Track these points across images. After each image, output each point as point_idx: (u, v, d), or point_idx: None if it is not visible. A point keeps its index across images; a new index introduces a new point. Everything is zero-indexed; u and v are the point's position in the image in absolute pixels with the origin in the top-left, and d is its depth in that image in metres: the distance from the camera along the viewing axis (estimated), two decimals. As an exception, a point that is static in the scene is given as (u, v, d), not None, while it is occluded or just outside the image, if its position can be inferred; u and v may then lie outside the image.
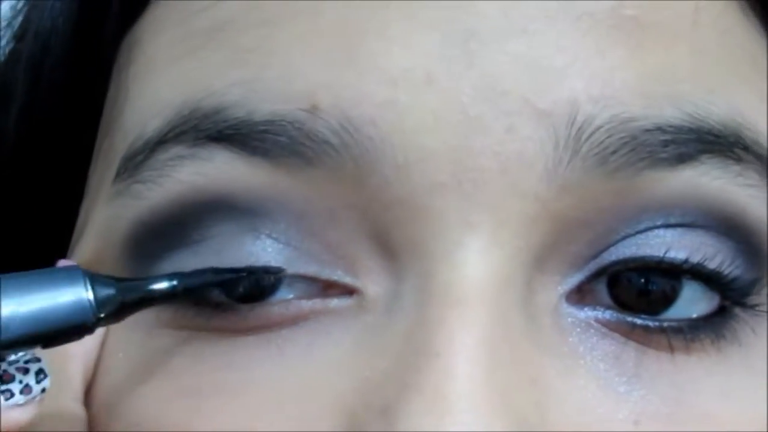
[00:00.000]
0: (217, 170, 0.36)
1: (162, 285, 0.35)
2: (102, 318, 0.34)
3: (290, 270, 0.36)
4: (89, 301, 0.34)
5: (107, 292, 0.34)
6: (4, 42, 0.48)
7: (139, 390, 0.37)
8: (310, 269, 0.36)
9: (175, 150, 0.36)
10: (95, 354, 0.38)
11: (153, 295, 0.35)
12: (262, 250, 0.36)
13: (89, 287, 0.34)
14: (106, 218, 0.38)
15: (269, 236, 0.36)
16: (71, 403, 0.37)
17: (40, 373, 0.34)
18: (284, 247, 0.36)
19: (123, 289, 0.35)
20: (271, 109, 0.35)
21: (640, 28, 0.36)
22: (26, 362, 0.34)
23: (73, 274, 0.34)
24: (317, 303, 0.36)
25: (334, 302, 0.36)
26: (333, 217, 0.36)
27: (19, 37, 0.45)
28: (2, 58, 0.46)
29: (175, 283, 0.35)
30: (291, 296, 0.36)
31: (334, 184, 0.35)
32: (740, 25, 0.38)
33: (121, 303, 0.35)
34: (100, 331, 0.37)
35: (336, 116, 0.35)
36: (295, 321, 0.36)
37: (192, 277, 0.36)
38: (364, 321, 0.36)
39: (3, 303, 0.33)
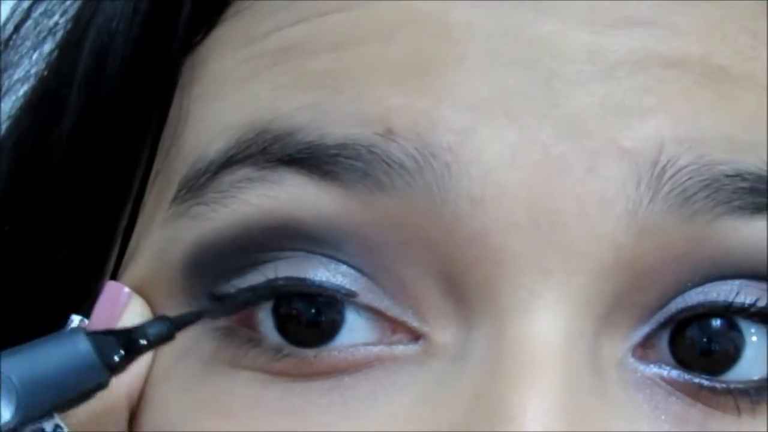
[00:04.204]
0: (286, 194, 0.35)
1: (156, 329, 0.34)
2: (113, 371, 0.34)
3: (363, 300, 0.35)
4: (102, 363, 0.33)
5: (113, 349, 0.34)
6: (46, 48, 0.47)
7: (194, 427, 0.35)
8: (382, 304, 0.35)
9: (243, 172, 0.35)
10: (139, 384, 0.37)
11: (151, 340, 0.34)
12: (339, 274, 0.35)
13: (96, 350, 0.34)
14: (162, 240, 0.37)
15: (344, 262, 0.35)
16: None
17: None
18: (360, 276, 0.35)
19: (124, 342, 0.34)
20: (345, 132, 0.35)
21: (730, 78, 0.35)
22: None
23: (76, 338, 0.34)
24: (383, 350, 0.35)
25: (399, 349, 0.35)
26: (405, 252, 0.35)
27: (67, 49, 0.44)
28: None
29: (169, 324, 0.35)
30: (354, 342, 0.35)
31: (406, 214, 0.34)
32: None
33: (126, 354, 0.34)
34: (144, 361, 0.37)
35: (412, 140, 0.34)
36: (359, 368, 0.35)
37: (184, 317, 0.35)
38: (430, 369, 0.35)
39: (19, 380, 0.32)
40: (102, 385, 0.34)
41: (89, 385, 0.33)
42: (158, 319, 0.35)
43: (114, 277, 0.39)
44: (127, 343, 0.34)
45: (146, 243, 0.38)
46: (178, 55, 0.39)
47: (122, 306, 0.37)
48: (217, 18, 0.39)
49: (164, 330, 0.34)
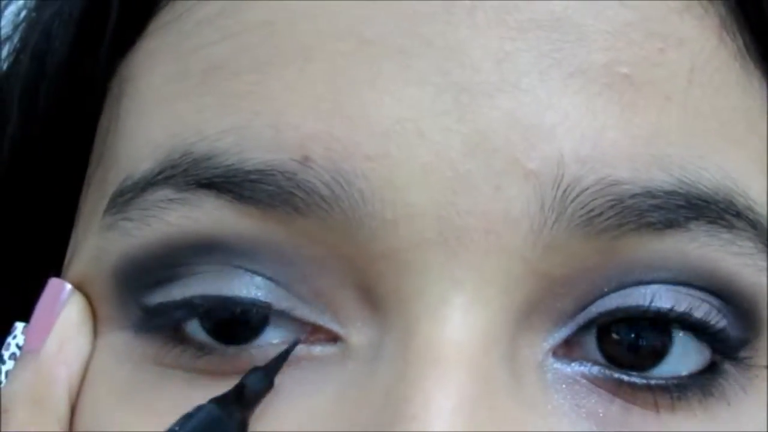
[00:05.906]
0: (206, 216, 0.36)
1: (259, 382, 0.36)
2: None
3: (278, 308, 0.36)
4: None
5: (236, 413, 0.35)
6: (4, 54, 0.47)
7: (121, 422, 0.37)
8: (298, 311, 0.36)
9: (164, 192, 0.36)
10: (80, 378, 0.38)
11: (257, 392, 0.36)
12: (254, 287, 0.36)
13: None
14: (95, 248, 0.39)
15: (258, 274, 0.36)
16: (56, 428, 0.38)
17: None
18: (275, 287, 0.36)
19: (244, 403, 0.36)
20: (263, 158, 0.35)
21: (633, 87, 0.35)
22: None
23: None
24: (301, 349, 0.36)
25: (318, 349, 0.36)
26: (322, 265, 0.36)
27: (15, 55, 0.45)
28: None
29: (264, 374, 0.36)
30: (276, 341, 0.36)
31: (323, 233, 0.35)
32: (738, 82, 0.37)
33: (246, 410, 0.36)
34: (84, 356, 0.38)
35: (327, 168, 0.35)
36: None
37: (275, 363, 0.36)
38: (347, 369, 0.36)
39: None
40: None
41: None
42: (253, 371, 0.36)
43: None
44: (240, 400, 0.36)
45: (84, 247, 0.39)
46: (109, 62, 0.40)
47: (63, 302, 0.39)
48: (143, 25, 0.39)
49: (263, 380, 0.36)
